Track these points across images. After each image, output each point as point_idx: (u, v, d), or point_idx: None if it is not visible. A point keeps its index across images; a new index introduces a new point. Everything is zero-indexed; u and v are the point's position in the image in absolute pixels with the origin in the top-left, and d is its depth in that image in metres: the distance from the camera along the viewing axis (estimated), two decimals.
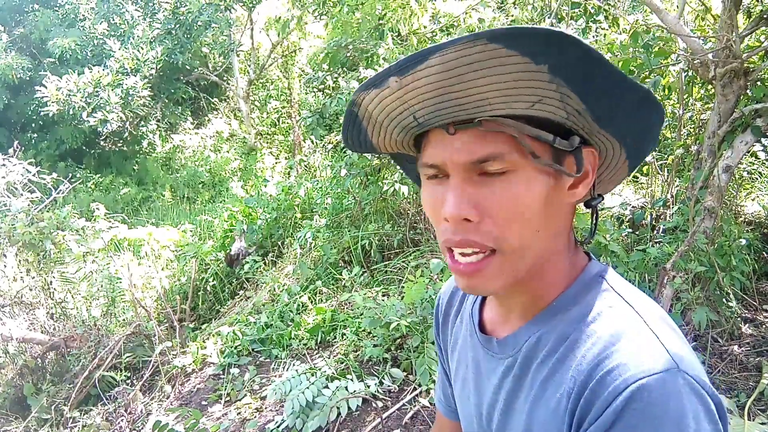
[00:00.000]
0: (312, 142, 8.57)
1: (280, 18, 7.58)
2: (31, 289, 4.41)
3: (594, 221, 0.70)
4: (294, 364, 3.35)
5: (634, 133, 0.68)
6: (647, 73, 3.95)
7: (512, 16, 4.59)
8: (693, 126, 4.44)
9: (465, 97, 0.58)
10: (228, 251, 5.34)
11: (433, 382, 3.04)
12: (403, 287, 3.85)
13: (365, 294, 3.93)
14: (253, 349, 3.92)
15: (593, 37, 5.20)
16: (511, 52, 0.54)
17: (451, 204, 0.63)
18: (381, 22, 5.53)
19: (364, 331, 3.60)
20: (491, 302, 0.84)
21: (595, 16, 4.62)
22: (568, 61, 0.56)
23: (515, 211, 0.63)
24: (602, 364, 0.61)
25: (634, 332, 0.63)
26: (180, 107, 12.56)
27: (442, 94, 0.59)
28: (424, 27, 5.10)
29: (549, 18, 4.36)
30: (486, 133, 0.61)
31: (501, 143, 0.61)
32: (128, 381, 3.77)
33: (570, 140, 0.64)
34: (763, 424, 2.62)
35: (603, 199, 0.70)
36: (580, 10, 4.55)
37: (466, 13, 4.88)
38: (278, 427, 2.94)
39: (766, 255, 3.99)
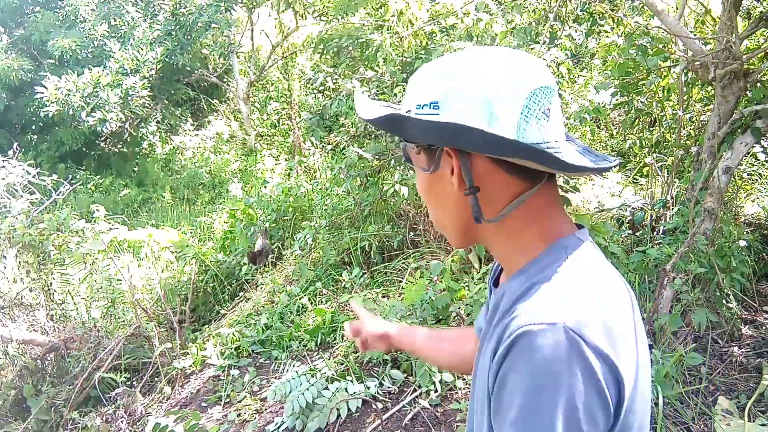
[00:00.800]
0: (312, 143, 8.57)
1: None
2: (31, 291, 4.40)
3: (476, 208, 0.84)
4: (294, 366, 3.35)
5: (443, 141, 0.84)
6: (645, 74, 3.96)
7: (512, 17, 4.58)
8: (693, 127, 4.44)
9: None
10: (250, 248, 5.32)
11: (433, 383, 3.04)
12: (402, 288, 3.85)
13: (365, 295, 3.93)
14: (253, 351, 3.92)
15: (596, 40, 5.21)
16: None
17: None
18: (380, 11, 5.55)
19: None
20: None
21: (599, 20, 4.62)
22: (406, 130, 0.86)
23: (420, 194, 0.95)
24: (513, 314, 0.75)
25: (545, 293, 0.75)
26: (180, 109, 12.56)
27: None
28: (422, 20, 5.09)
29: (550, 21, 4.36)
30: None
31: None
32: (128, 382, 3.77)
33: (426, 148, 0.87)
34: (763, 425, 2.62)
35: (477, 190, 0.83)
36: (584, 14, 4.55)
37: (465, 13, 4.88)
38: (278, 428, 2.94)
39: (765, 256, 3.99)
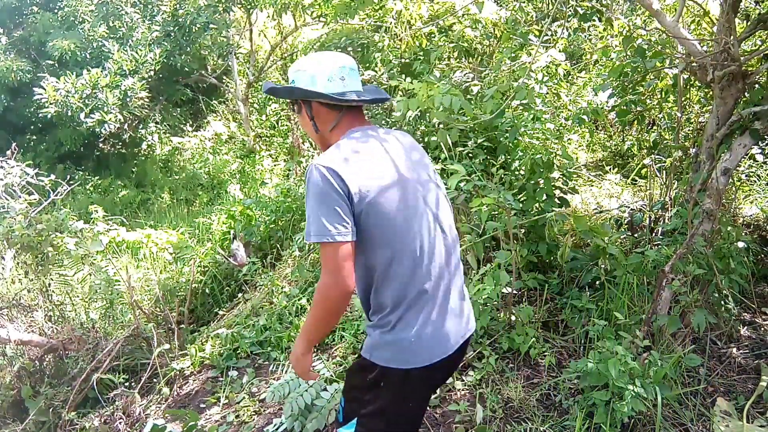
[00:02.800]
0: (310, 144, 8.56)
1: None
2: (29, 292, 4.39)
3: (315, 127, 1.83)
4: (292, 367, 3.34)
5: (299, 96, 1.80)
6: (642, 76, 3.97)
7: (513, 11, 4.58)
8: (691, 129, 4.45)
9: None
10: (229, 253, 5.33)
11: None
12: None
13: None
14: (251, 352, 3.92)
15: (585, 36, 5.20)
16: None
17: None
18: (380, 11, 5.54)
19: (362, 333, 3.60)
20: None
21: (588, 18, 4.62)
22: (282, 94, 1.86)
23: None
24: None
25: (324, 154, 1.68)
26: (179, 109, 12.54)
27: None
28: (421, 17, 5.09)
29: (545, 19, 4.37)
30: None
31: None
32: (126, 384, 3.76)
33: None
34: (762, 426, 2.62)
35: (314, 118, 1.83)
36: (570, 10, 4.55)
37: (463, 15, 4.88)
38: (277, 429, 2.94)
39: (764, 258, 3.99)
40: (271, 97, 5.77)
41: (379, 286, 1.68)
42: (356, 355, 3.39)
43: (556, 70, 4.25)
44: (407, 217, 1.67)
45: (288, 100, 1.87)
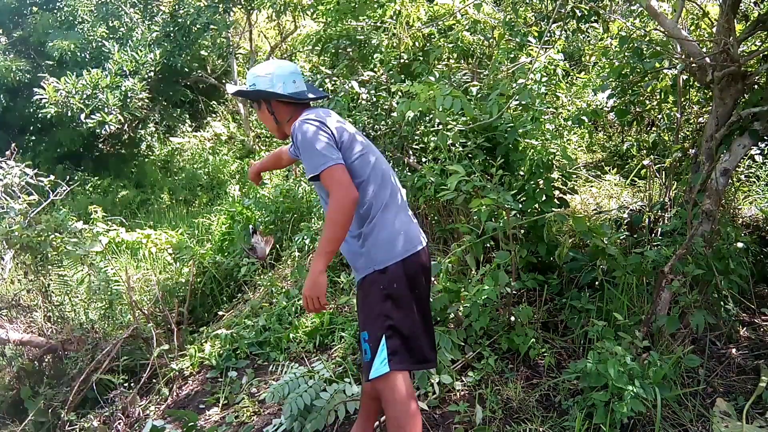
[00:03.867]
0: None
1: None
2: (28, 292, 4.39)
3: (275, 119, 2.41)
4: (292, 368, 3.35)
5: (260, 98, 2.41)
6: (642, 76, 3.97)
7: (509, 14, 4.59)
8: (690, 129, 4.45)
9: None
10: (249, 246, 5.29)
11: (431, 385, 3.04)
12: None
13: None
14: (251, 352, 3.91)
15: (584, 37, 5.20)
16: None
17: None
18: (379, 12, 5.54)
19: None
20: None
21: (586, 19, 4.63)
22: (248, 95, 2.45)
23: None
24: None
25: (303, 116, 2.25)
26: (178, 110, 12.55)
27: None
28: (420, 20, 5.08)
29: (544, 21, 4.37)
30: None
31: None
32: (126, 384, 3.76)
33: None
34: (761, 427, 2.62)
35: (273, 112, 2.39)
36: (568, 12, 4.56)
37: (462, 17, 4.88)
38: (276, 430, 2.94)
39: (763, 258, 3.99)
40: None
41: (364, 194, 2.21)
42: (355, 356, 3.39)
43: (554, 70, 4.25)
44: (368, 143, 2.35)
45: (249, 99, 2.49)
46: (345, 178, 2.07)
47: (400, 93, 4.43)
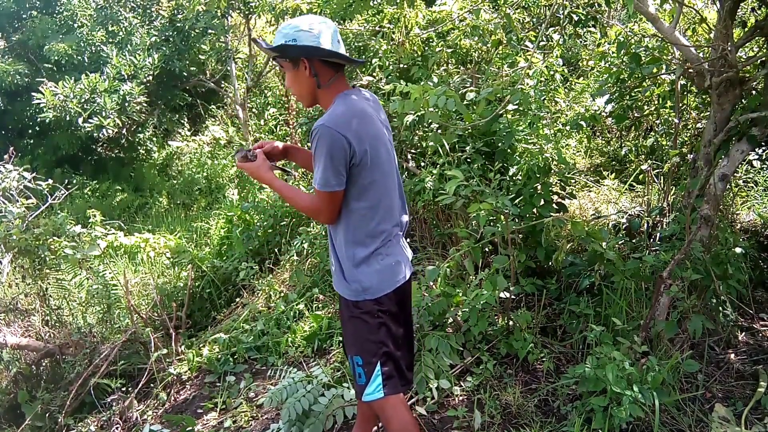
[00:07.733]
0: (309, 149, 8.57)
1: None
2: (26, 296, 4.38)
3: (318, 81, 2.05)
4: (290, 372, 3.34)
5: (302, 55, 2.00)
6: (640, 81, 3.98)
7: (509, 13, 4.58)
8: (689, 134, 4.46)
9: None
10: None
11: (429, 390, 3.04)
12: None
13: None
14: (249, 357, 3.91)
15: (581, 42, 5.21)
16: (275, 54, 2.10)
17: None
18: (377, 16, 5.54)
19: None
20: None
21: (584, 24, 4.64)
22: (289, 52, 2.01)
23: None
24: (317, 123, 1.95)
25: (325, 115, 1.97)
26: (177, 114, 12.53)
27: None
28: (419, 24, 5.08)
29: (543, 24, 4.38)
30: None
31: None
32: (123, 388, 3.75)
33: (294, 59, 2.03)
34: None
35: (317, 74, 2.03)
36: (565, 15, 4.57)
37: (460, 22, 4.88)
38: None
39: (762, 263, 4.00)
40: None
41: (369, 221, 2.09)
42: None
43: (552, 75, 4.26)
44: (389, 170, 2.16)
45: (279, 58, 2.03)
46: (333, 207, 2.03)
47: (397, 94, 4.43)
